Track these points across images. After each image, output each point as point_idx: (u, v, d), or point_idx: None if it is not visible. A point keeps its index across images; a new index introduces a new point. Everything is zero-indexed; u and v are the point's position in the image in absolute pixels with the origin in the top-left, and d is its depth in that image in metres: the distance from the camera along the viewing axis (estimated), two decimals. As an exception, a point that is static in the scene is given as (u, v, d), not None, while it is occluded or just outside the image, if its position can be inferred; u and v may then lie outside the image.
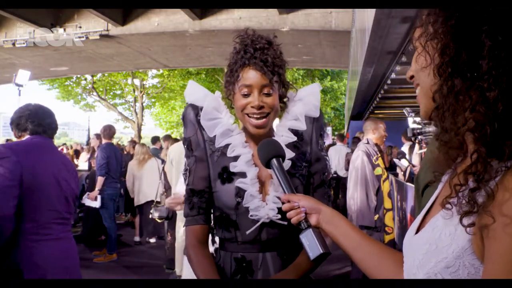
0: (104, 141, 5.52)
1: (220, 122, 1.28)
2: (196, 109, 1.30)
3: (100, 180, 5.31)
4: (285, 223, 1.21)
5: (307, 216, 0.98)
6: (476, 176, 0.63)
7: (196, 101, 1.31)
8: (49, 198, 1.93)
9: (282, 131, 1.29)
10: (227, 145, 1.27)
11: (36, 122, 2.06)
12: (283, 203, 1.03)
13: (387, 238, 3.62)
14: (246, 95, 1.20)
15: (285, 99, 1.30)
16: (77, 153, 11.02)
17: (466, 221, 0.62)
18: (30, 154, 1.92)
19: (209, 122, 1.27)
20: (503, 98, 0.63)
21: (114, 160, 5.51)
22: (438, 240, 0.67)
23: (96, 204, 5.31)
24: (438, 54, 0.69)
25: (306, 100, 1.34)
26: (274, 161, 1.09)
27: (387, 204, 3.66)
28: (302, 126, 1.30)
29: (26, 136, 2.07)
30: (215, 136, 1.27)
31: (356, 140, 8.17)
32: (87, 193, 5.47)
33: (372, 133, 3.80)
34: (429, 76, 0.72)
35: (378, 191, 3.62)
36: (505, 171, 0.61)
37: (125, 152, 9.02)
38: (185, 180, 1.30)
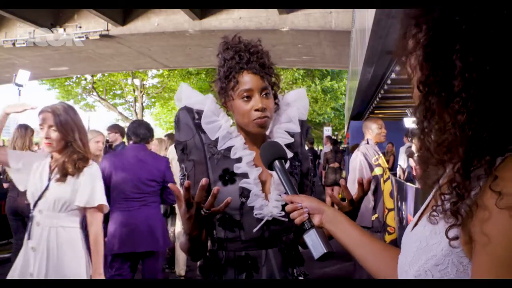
0: (120, 140, 5.19)
1: (220, 125, 1.30)
2: (192, 112, 1.31)
3: None
4: (286, 219, 1.25)
5: (310, 217, 1.00)
6: (457, 189, 0.64)
7: (194, 104, 1.32)
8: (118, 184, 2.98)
9: (279, 133, 1.34)
10: (228, 148, 1.29)
11: (130, 133, 3.15)
12: (286, 204, 1.04)
13: (389, 238, 3.61)
14: (247, 99, 1.23)
15: (276, 100, 1.35)
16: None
17: (451, 233, 0.64)
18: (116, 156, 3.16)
19: (209, 125, 1.29)
20: (471, 122, 0.63)
21: None
22: (429, 238, 0.68)
23: None
24: (417, 72, 0.70)
25: (297, 104, 1.40)
26: (277, 163, 1.12)
27: (389, 204, 3.65)
28: (296, 128, 1.37)
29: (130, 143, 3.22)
30: (216, 139, 1.29)
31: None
32: None
33: (368, 134, 3.81)
34: (413, 89, 0.73)
35: (376, 192, 3.62)
36: (484, 187, 0.61)
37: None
38: (181, 184, 1.29)
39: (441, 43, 0.66)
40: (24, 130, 4.79)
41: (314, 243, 0.97)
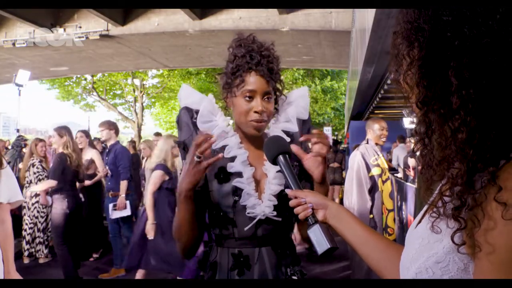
0: (115, 139, 4.73)
1: (216, 125, 1.32)
2: (191, 112, 1.34)
3: (124, 184, 4.56)
4: (280, 219, 1.27)
5: (314, 212, 1.00)
6: (459, 194, 0.64)
7: (192, 104, 1.35)
8: None
9: (277, 132, 1.34)
10: (223, 147, 1.31)
11: None
12: (290, 199, 1.05)
13: (389, 239, 3.62)
14: (249, 99, 1.24)
15: (276, 105, 1.36)
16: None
17: (457, 239, 0.64)
18: None
19: (205, 124, 1.31)
20: (472, 139, 0.62)
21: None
22: (431, 236, 0.68)
23: (127, 212, 4.61)
24: (414, 90, 0.70)
25: (296, 102, 1.40)
26: (281, 157, 1.12)
27: (389, 205, 3.65)
28: (294, 128, 1.37)
29: None
30: None
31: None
32: (113, 204, 4.59)
33: (369, 133, 3.80)
34: (413, 105, 0.72)
35: (372, 191, 3.62)
36: (488, 196, 0.61)
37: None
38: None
39: (435, 61, 0.65)
40: (86, 136, 4.76)
41: (318, 239, 0.97)
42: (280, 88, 1.32)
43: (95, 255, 5.30)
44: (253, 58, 1.24)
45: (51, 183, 4.22)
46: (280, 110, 1.38)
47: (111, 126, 4.73)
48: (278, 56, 1.30)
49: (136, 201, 6.00)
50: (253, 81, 1.23)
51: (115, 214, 4.59)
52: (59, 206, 4.17)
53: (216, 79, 1.37)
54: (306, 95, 1.44)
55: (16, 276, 2.10)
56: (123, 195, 4.56)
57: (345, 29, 10.92)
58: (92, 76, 21.72)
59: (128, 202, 4.59)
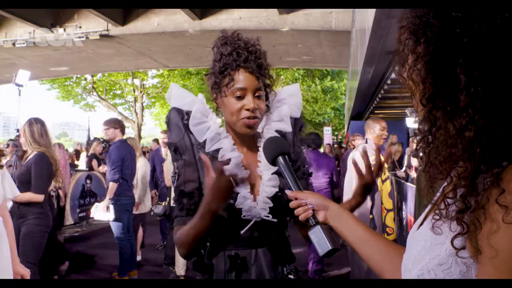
0: (119, 137, 4.40)
1: (209, 127, 1.29)
2: (182, 113, 1.31)
3: (112, 186, 4.22)
4: (275, 220, 1.26)
5: (314, 213, 1.00)
6: (462, 198, 0.63)
7: (183, 106, 1.32)
8: None
9: (270, 133, 1.31)
10: (217, 149, 1.28)
11: None
12: (290, 200, 1.04)
13: (389, 239, 3.61)
14: (239, 98, 1.21)
15: (267, 102, 1.32)
16: (77, 153, 11.05)
17: (457, 242, 0.63)
18: None
19: (197, 127, 1.28)
20: (480, 137, 0.61)
21: (130, 162, 4.43)
22: (433, 238, 0.68)
23: (109, 216, 4.26)
24: (419, 86, 0.69)
25: (288, 100, 1.37)
26: (280, 158, 1.11)
27: (388, 204, 3.65)
28: (287, 127, 1.34)
29: None
30: (204, 140, 1.28)
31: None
32: (96, 204, 4.39)
33: (369, 133, 3.80)
34: (416, 103, 0.71)
35: (372, 191, 3.61)
36: (490, 198, 0.60)
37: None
38: (173, 182, 1.30)
39: (443, 57, 0.64)
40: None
41: (320, 240, 0.97)
42: (270, 83, 1.28)
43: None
44: (241, 55, 1.20)
45: (39, 198, 3.08)
46: (271, 107, 1.35)
47: (117, 124, 4.39)
48: (265, 52, 1.27)
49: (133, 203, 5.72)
50: (242, 78, 1.20)
51: (96, 215, 4.30)
52: (43, 222, 3.13)
53: (204, 81, 1.34)
54: (298, 92, 1.41)
55: (21, 268, 2.15)
56: (108, 198, 4.23)
57: (345, 29, 10.93)
58: (92, 76, 21.74)
59: (112, 206, 4.23)
